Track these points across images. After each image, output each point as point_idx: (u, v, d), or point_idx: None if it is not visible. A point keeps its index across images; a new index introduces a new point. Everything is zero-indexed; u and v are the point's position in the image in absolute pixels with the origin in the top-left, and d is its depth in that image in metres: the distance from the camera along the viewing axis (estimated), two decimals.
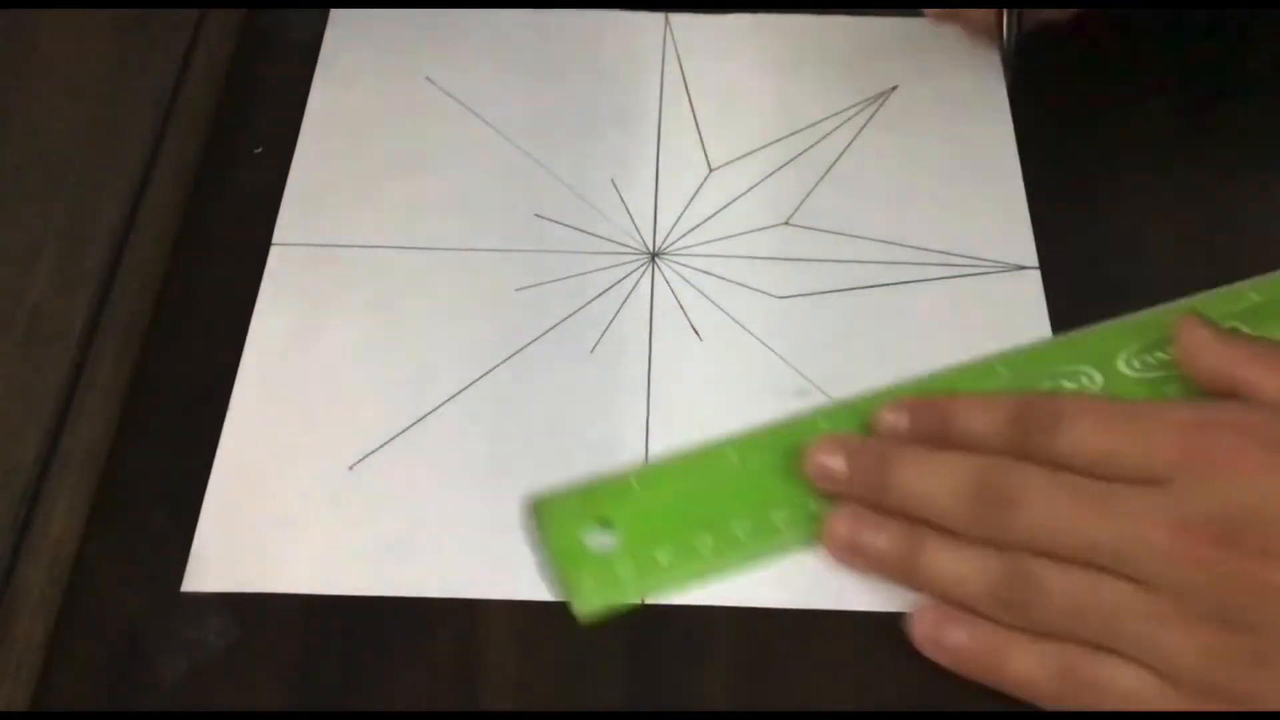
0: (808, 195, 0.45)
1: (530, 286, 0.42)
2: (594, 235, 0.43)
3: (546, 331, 0.41)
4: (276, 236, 0.43)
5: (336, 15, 0.50)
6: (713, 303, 0.42)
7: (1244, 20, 0.47)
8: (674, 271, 0.43)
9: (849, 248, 0.43)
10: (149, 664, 0.35)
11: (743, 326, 0.41)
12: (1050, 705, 0.32)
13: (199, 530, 0.37)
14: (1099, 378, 0.38)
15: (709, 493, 0.37)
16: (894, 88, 0.47)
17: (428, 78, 0.48)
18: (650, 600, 0.35)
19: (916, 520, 0.34)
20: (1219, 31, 0.47)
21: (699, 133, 0.47)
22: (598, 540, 0.36)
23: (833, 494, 0.36)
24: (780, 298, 0.42)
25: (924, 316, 0.41)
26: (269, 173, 0.45)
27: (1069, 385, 0.38)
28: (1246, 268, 0.40)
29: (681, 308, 0.42)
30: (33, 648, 0.34)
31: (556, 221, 0.44)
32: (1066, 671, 0.32)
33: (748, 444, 0.38)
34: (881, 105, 0.47)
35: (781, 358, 0.40)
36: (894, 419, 0.36)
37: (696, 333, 0.41)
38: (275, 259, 0.43)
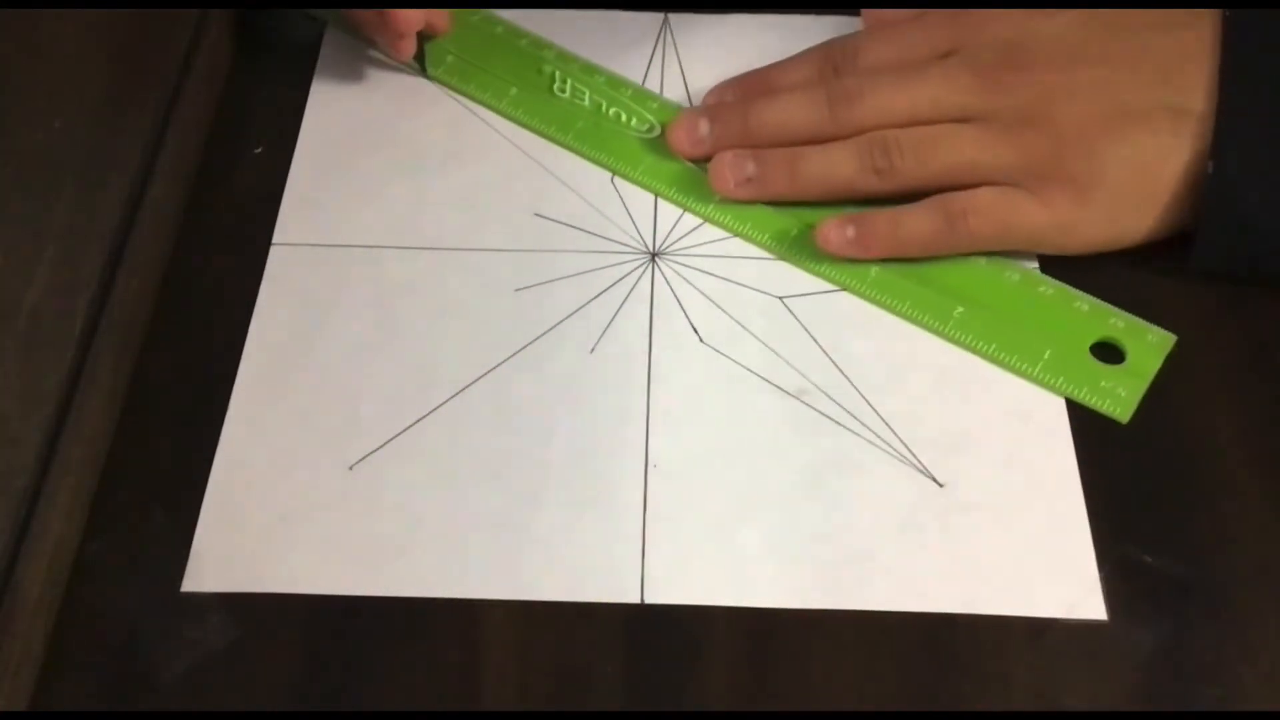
0: None
1: (530, 286, 0.42)
2: (594, 235, 0.43)
3: (546, 331, 0.41)
4: (276, 236, 0.43)
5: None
6: (713, 303, 0.42)
7: None
8: (674, 271, 0.43)
9: None
10: (149, 664, 0.35)
11: (743, 326, 0.41)
12: (934, 249, 0.41)
13: (199, 530, 0.37)
14: None
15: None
16: None
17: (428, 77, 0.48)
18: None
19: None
20: None
21: None
22: None
23: (702, 155, 0.44)
24: (780, 298, 0.42)
25: None
26: (269, 173, 0.45)
27: None
28: None
29: (682, 308, 0.42)
30: (33, 648, 0.34)
31: (556, 221, 0.44)
32: (940, 205, 0.41)
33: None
34: None
35: (782, 358, 0.40)
36: (721, 93, 0.46)
37: (696, 333, 0.41)
38: (275, 259, 0.43)
